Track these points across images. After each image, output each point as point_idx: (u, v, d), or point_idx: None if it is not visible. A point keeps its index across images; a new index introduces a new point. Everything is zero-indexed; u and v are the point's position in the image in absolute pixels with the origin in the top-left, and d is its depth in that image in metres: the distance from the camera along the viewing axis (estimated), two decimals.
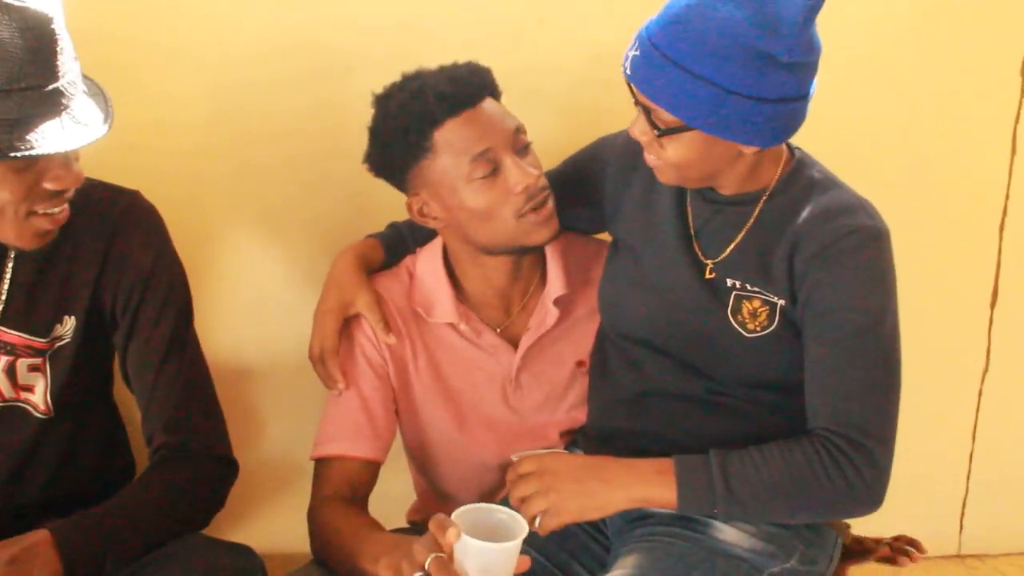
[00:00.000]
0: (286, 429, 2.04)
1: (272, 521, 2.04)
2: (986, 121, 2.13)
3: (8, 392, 1.53)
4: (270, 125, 1.91)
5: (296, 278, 1.99)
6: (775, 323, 1.48)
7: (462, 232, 1.64)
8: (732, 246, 1.52)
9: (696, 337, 1.53)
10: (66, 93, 1.33)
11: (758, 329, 1.49)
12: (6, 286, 1.50)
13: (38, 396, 1.54)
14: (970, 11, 2.06)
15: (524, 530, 1.31)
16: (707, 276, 1.52)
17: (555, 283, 1.70)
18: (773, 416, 1.51)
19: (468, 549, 1.27)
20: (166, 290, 1.59)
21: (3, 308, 1.51)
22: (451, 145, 1.57)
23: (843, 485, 1.40)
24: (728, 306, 1.50)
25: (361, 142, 1.65)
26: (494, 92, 1.64)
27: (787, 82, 1.37)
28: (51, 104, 1.31)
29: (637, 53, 1.41)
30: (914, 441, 2.06)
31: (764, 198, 1.51)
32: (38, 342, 1.53)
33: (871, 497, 1.43)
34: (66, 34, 1.34)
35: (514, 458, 1.53)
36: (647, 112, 1.42)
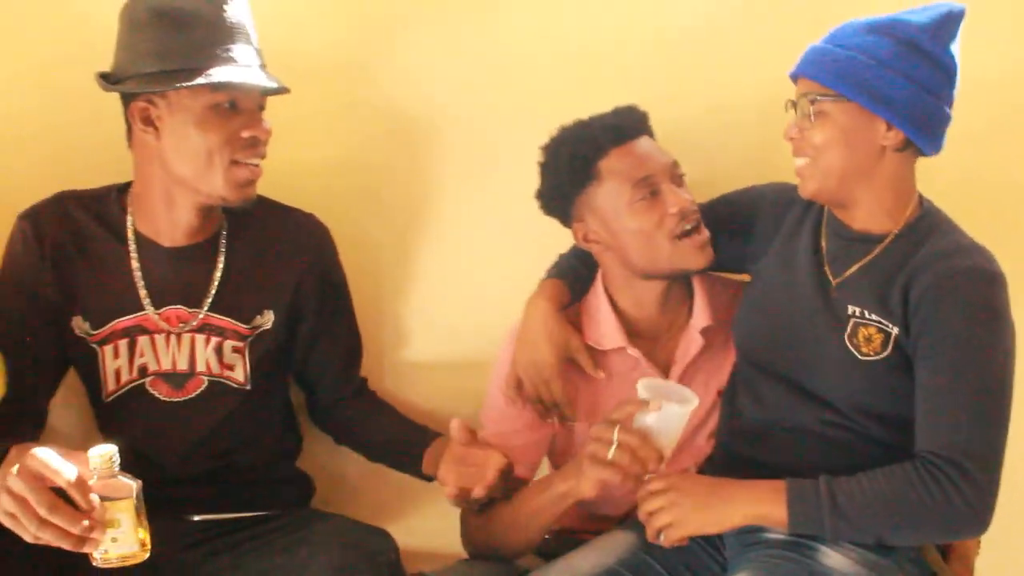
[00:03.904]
0: None
1: (416, 520, 2.13)
2: None
3: (215, 368, 1.75)
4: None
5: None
6: (888, 350, 1.56)
7: (622, 254, 1.77)
8: (855, 267, 1.62)
9: (812, 358, 1.63)
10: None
11: (871, 354, 1.57)
12: (218, 276, 1.74)
13: (238, 373, 1.76)
14: None
15: (695, 399, 1.55)
16: (832, 296, 1.63)
17: (701, 314, 1.81)
18: (884, 452, 1.56)
19: (666, 414, 1.53)
20: (347, 299, 1.90)
21: (215, 297, 1.74)
22: (615, 172, 1.73)
23: (943, 503, 1.45)
24: (846, 330, 1.59)
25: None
26: (651, 133, 1.80)
27: (932, 75, 1.54)
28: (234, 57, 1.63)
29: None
30: None
31: (890, 239, 1.61)
32: (243, 328, 1.76)
33: (973, 518, 1.47)
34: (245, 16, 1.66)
35: (646, 477, 1.61)
36: (804, 108, 1.58)
